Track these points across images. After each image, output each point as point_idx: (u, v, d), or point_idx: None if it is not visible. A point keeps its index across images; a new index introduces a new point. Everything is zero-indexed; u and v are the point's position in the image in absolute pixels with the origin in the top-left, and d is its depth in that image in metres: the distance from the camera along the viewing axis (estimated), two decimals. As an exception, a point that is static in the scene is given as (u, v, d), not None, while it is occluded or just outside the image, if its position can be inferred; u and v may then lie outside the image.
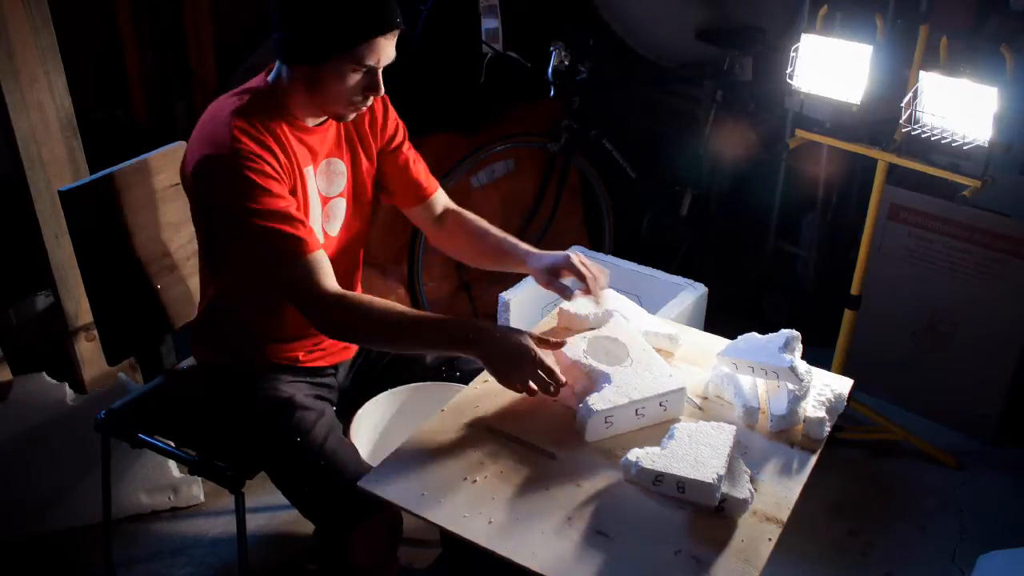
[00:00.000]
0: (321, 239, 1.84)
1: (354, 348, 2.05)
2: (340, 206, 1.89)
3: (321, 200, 1.84)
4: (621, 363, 1.67)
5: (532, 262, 1.89)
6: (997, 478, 2.74)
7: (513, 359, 1.60)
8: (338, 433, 1.83)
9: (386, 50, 1.69)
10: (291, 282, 1.66)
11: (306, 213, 1.78)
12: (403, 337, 1.70)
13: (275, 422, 1.81)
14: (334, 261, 1.83)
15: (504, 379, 1.61)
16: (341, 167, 1.87)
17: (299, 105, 1.74)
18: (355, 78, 1.69)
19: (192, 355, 2.04)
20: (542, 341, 1.66)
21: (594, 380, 1.63)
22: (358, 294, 1.79)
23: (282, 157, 1.71)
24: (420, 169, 2.01)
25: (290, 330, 1.89)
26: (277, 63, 1.75)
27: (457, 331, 1.64)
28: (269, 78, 1.76)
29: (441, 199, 2.04)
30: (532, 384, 1.59)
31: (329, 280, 1.68)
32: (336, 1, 1.61)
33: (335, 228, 1.90)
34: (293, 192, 1.74)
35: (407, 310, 1.70)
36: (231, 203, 1.65)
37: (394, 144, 1.96)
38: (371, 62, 1.68)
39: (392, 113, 1.96)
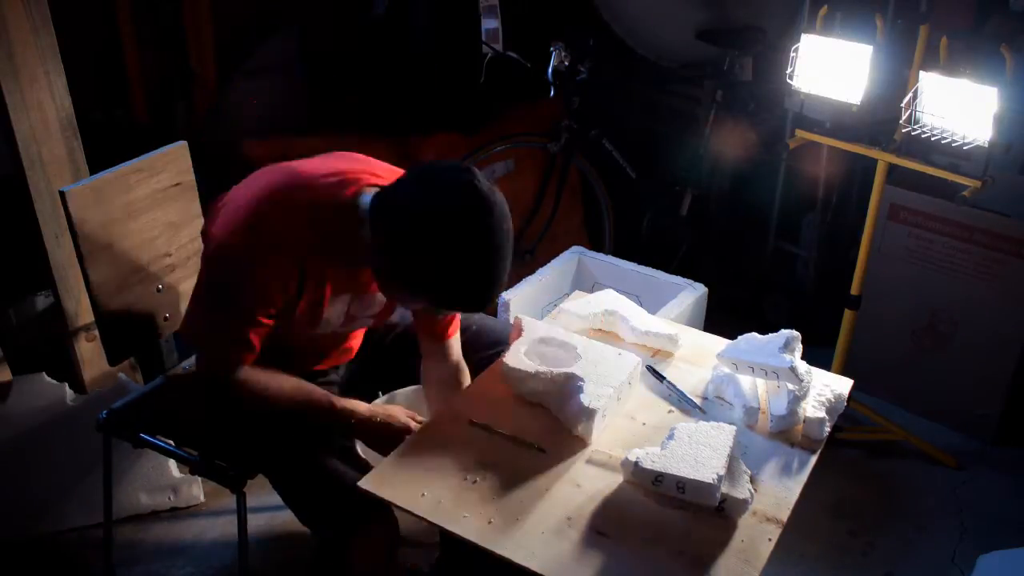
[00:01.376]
0: (329, 330, 1.82)
1: (355, 350, 2.05)
2: (366, 323, 1.88)
3: (346, 318, 1.79)
4: (575, 362, 1.69)
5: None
6: (997, 478, 2.74)
7: (378, 442, 1.75)
8: (338, 440, 1.83)
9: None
10: (208, 371, 1.73)
11: (316, 319, 1.74)
12: (296, 416, 1.77)
13: (274, 426, 1.81)
14: (339, 343, 1.90)
15: (375, 450, 1.76)
16: (381, 298, 1.81)
17: (360, 252, 1.62)
18: (422, 307, 1.69)
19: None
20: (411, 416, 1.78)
21: (566, 386, 1.64)
22: (259, 380, 1.72)
23: (296, 285, 1.64)
24: (454, 326, 1.90)
25: (292, 342, 1.87)
26: (370, 210, 1.58)
27: (336, 422, 1.75)
28: (359, 202, 1.60)
29: (455, 343, 1.90)
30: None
31: (237, 372, 1.70)
32: (462, 273, 1.51)
33: (354, 326, 1.88)
34: (291, 307, 1.67)
35: (299, 398, 1.74)
36: (214, 296, 1.66)
37: None
38: (448, 314, 1.72)
39: None
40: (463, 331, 1.97)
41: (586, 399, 1.58)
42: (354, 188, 1.63)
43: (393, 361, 2.05)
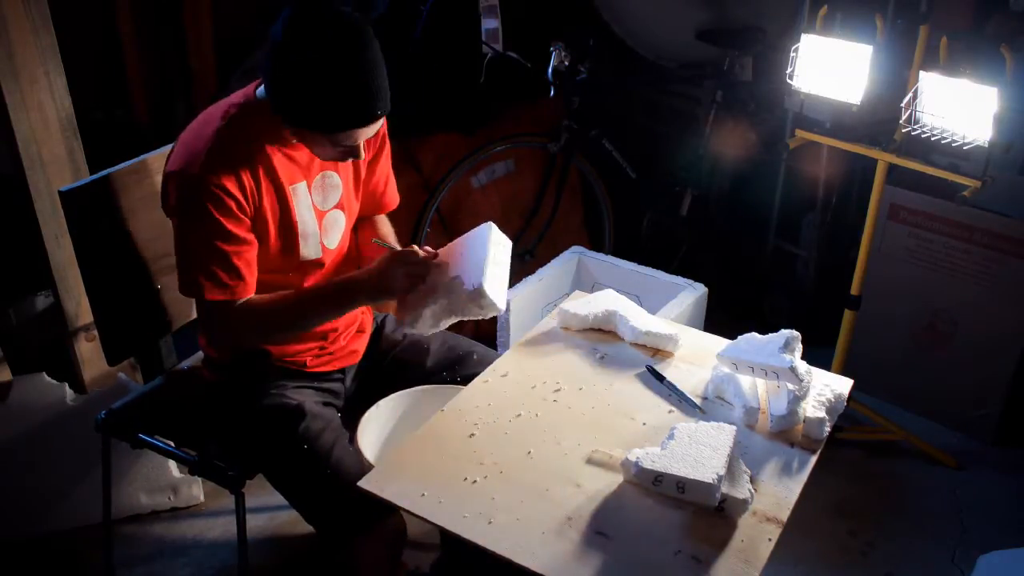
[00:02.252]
0: (319, 252, 1.86)
1: (361, 352, 2.05)
2: (338, 218, 1.90)
3: (317, 214, 1.84)
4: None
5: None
6: (997, 478, 2.74)
7: (384, 278, 1.73)
8: (344, 442, 1.83)
9: (366, 133, 1.70)
10: (205, 310, 1.77)
11: (294, 230, 1.80)
12: (298, 324, 1.81)
13: (282, 430, 1.81)
14: (337, 271, 1.89)
15: (390, 295, 1.75)
16: (336, 180, 1.87)
17: (287, 132, 1.74)
18: (331, 149, 1.71)
19: (200, 349, 2.04)
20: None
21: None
22: (257, 310, 1.77)
23: (250, 185, 1.70)
24: (391, 187, 2.01)
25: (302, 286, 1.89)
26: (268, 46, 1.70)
27: (346, 298, 1.78)
28: (257, 93, 1.74)
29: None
30: (410, 278, 1.72)
31: (237, 307, 1.73)
32: (320, 88, 1.60)
33: (335, 240, 1.90)
34: (262, 218, 1.74)
35: (300, 304, 1.78)
36: (186, 223, 1.70)
37: (379, 156, 1.95)
38: (348, 143, 1.70)
39: (384, 127, 1.92)
40: (463, 355, 2.04)
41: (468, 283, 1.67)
42: (252, 86, 1.76)
43: (397, 364, 2.06)
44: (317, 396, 1.91)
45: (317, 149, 1.73)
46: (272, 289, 1.80)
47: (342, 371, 2.01)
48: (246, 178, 1.69)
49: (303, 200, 1.80)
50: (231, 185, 1.67)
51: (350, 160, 1.80)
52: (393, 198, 2.04)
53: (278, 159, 1.75)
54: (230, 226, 1.68)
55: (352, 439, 1.85)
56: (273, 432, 1.82)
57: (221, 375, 1.94)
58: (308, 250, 1.84)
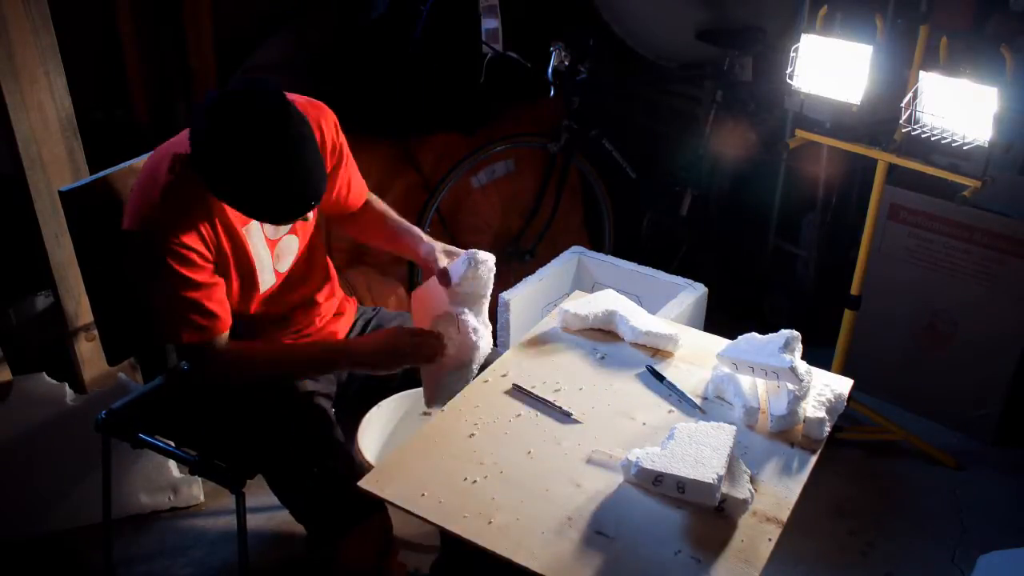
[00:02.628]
0: (273, 279, 1.88)
1: (345, 328, 2.06)
2: (291, 243, 1.90)
3: (268, 244, 1.84)
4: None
5: (424, 247, 1.92)
6: (997, 478, 2.74)
7: (390, 349, 1.75)
8: (334, 435, 1.83)
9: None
10: (187, 355, 1.80)
11: (249, 266, 1.80)
12: (290, 376, 1.83)
13: (269, 423, 1.81)
14: (295, 290, 1.92)
15: (397, 365, 1.78)
16: None
17: None
18: None
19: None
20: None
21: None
22: (244, 350, 1.79)
23: (209, 235, 1.71)
24: (355, 187, 2.00)
25: (264, 318, 1.91)
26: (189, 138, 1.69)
27: (338, 360, 1.81)
28: None
29: (373, 204, 2.06)
30: (423, 353, 1.74)
31: (222, 348, 1.75)
32: (250, 195, 1.60)
33: (286, 264, 1.91)
34: (224, 263, 1.75)
35: (291, 357, 1.80)
36: (149, 281, 1.70)
37: (338, 168, 1.94)
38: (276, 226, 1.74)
39: (336, 136, 1.89)
40: None
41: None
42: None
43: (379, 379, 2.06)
44: (311, 385, 1.90)
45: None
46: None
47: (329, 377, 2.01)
48: (203, 228, 1.70)
49: (256, 235, 1.81)
50: (189, 239, 1.67)
51: None
52: (359, 195, 2.03)
53: (229, 208, 1.74)
54: (195, 276, 1.69)
55: (352, 439, 1.85)
56: (261, 425, 1.82)
57: None
58: (264, 281, 1.86)
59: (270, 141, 1.54)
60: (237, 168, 1.56)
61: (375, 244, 2.13)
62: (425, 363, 1.77)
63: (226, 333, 1.76)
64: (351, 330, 2.08)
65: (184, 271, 1.67)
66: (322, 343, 1.88)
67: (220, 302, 1.74)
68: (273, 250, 1.86)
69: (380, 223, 2.05)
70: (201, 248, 1.69)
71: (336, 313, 2.05)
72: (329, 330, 2.02)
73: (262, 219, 1.69)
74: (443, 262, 1.84)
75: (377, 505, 1.67)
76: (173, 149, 1.72)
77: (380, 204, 2.07)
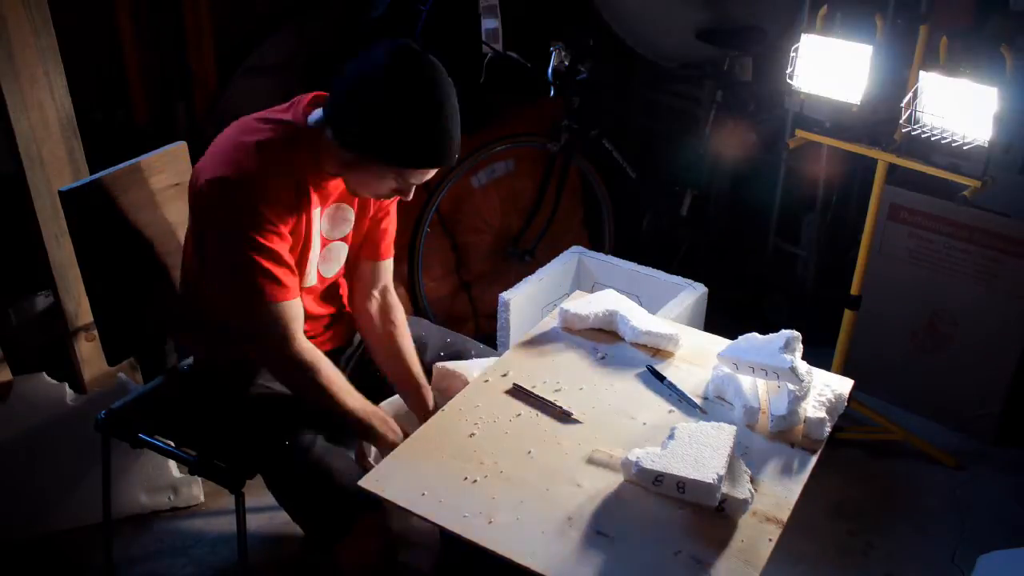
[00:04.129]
0: (314, 279, 1.87)
1: (352, 334, 2.06)
2: (341, 250, 1.90)
3: (321, 241, 1.84)
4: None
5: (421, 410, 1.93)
6: (997, 478, 2.74)
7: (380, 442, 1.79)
8: (334, 439, 1.83)
9: (430, 174, 1.72)
10: (260, 321, 1.71)
11: (305, 254, 1.80)
12: (326, 407, 1.79)
13: (266, 424, 1.81)
14: (324, 296, 1.91)
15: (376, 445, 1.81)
16: (349, 214, 1.87)
17: (328, 162, 1.73)
18: (392, 184, 1.73)
19: (174, 342, 2.03)
20: None
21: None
22: (312, 356, 1.77)
23: (294, 198, 1.71)
24: (390, 232, 2.00)
25: None
26: (322, 112, 1.71)
27: (368, 432, 1.79)
28: (309, 120, 1.72)
29: (387, 268, 2.01)
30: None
31: (293, 332, 1.73)
32: (408, 123, 1.62)
33: (332, 270, 1.91)
34: (293, 232, 1.74)
35: (345, 397, 1.77)
36: (235, 228, 1.66)
37: (393, 205, 1.96)
38: (413, 180, 1.72)
39: None
40: (460, 352, 2.05)
41: None
42: (303, 106, 1.74)
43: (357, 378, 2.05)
44: None
45: (371, 182, 1.73)
46: None
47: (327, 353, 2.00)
48: (292, 190, 1.70)
49: (316, 226, 1.80)
50: (283, 191, 1.68)
51: (373, 200, 1.85)
52: (389, 248, 2.01)
53: (311, 183, 1.75)
54: (281, 226, 1.69)
55: (352, 439, 1.85)
56: (257, 427, 1.82)
57: (204, 369, 1.96)
58: (308, 275, 1.84)
59: (446, 86, 1.64)
60: (412, 100, 1.60)
61: (374, 345, 2.02)
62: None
63: (298, 307, 1.74)
64: (347, 342, 2.08)
65: (274, 216, 1.66)
66: (369, 414, 1.82)
67: (292, 262, 1.73)
68: (323, 249, 1.85)
69: (389, 330, 1.98)
70: (289, 202, 1.69)
71: (336, 318, 2.04)
72: (329, 335, 2.01)
73: (402, 158, 1.66)
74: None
75: (372, 505, 1.68)
76: (269, 119, 1.72)
77: (400, 313, 2.01)
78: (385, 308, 1.99)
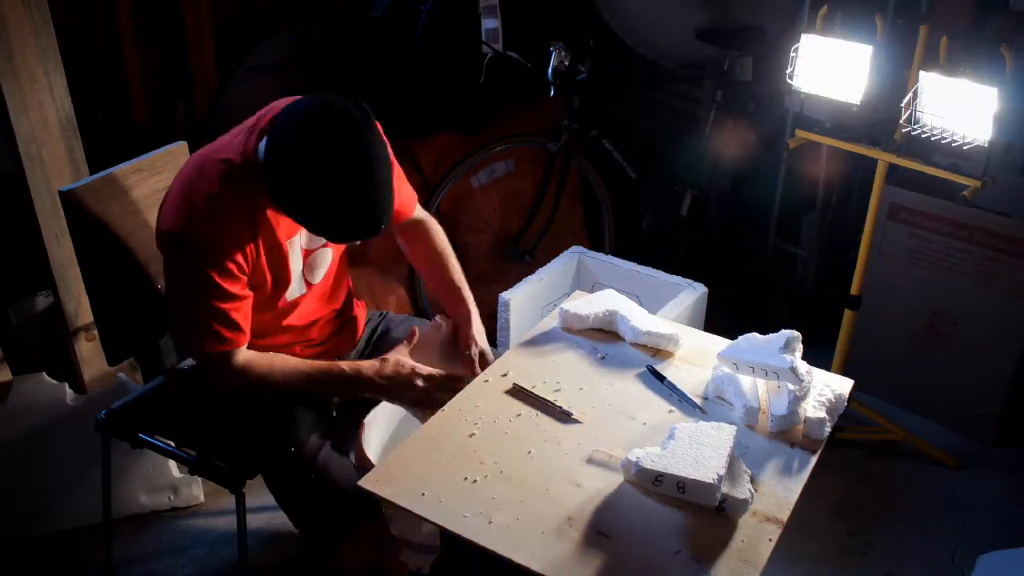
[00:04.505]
0: (302, 289, 1.87)
1: (353, 343, 2.05)
2: (325, 255, 1.90)
3: (303, 254, 1.84)
4: None
5: (462, 310, 1.98)
6: (997, 478, 2.74)
7: (394, 391, 1.77)
8: (329, 447, 1.83)
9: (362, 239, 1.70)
10: (206, 362, 1.75)
11: (283, 274, 1.79)
12: (302, 394, 1.81)
13: (269, 429, 1.81)
14: (320, 304, 1.93)
15: (402, 404, 1.81)
16: None
17: None
18: None
19: (173, 342, 2.05)
20: (408, 340, 1.83)
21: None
22: (260, 363, 1.77)
23: (251, 248, 1.69)
24: (403, 195, 1.98)
25: (281, 324, 1.89)
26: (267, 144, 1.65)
27: (346, 384, 1.77)
28: (259, 155, 1.66)
29: (417, 214, 2.06)
30: (424, 396, 1.74)
31: (239, 358, 1.73)
32: (320, 203, 1.58)
33: (319, 275, 1.91)
34: (259, 274, 1.74)
35: (304, 372, 1.77)
36: (184, 285, 1.68)
37: None
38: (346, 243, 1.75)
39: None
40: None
41: None
42: (254, 139, 1.68)
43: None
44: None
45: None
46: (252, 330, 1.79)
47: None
48: (247, 243, 1.69)
49: (295, 248, 1.81)
50: (232, 252, 1.66)
51: None
52: (408, 205, 2.01)
53: (275, 218, 1.73)
54: (230, 288, 1.68)
55: (352, 441, 1.85)
56: (260, 432, 1.83)
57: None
58: (292, 290, 1.85)
59: (356, 159, 1.55)
60: (317, 181, 1.54)
61: (419, 271, 2.12)
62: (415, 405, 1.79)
63: (245, 346, 1.75)
64: (360, 339, 2.08)
65: (221, 282, 1.66)
66: (342, 368, 1.80)
67: (246, 316, 1.73)
68: (306, 259, 1.85)
69: (427, 248, 2.05)
70: (241, 262, 1.68)
71: (345, 322, 2.05)
72: (336, 341, 2.02)
73: (325, 235, 1.67)
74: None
75: (372, 511, 1.69)
76: (224, 154, 1.69)
77: (435, 228, 2.06)
78: (414, 224, 2.05)
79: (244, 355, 1.74)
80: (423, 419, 1.71)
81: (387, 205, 1.62)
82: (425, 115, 3.08)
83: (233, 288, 1.68)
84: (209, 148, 1.74)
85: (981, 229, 2.73)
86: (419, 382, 1.75)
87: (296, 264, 1.82)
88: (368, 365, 1.77)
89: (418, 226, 2.05)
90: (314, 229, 1.66)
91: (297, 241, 1.80)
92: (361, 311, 2.11)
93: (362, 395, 1.80)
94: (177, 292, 1.72)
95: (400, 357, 1.80)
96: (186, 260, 1.67)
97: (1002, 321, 2.75)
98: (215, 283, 1.65)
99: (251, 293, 1.74)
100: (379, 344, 2.11)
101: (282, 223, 1.74)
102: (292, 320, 1.90)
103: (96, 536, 2.30)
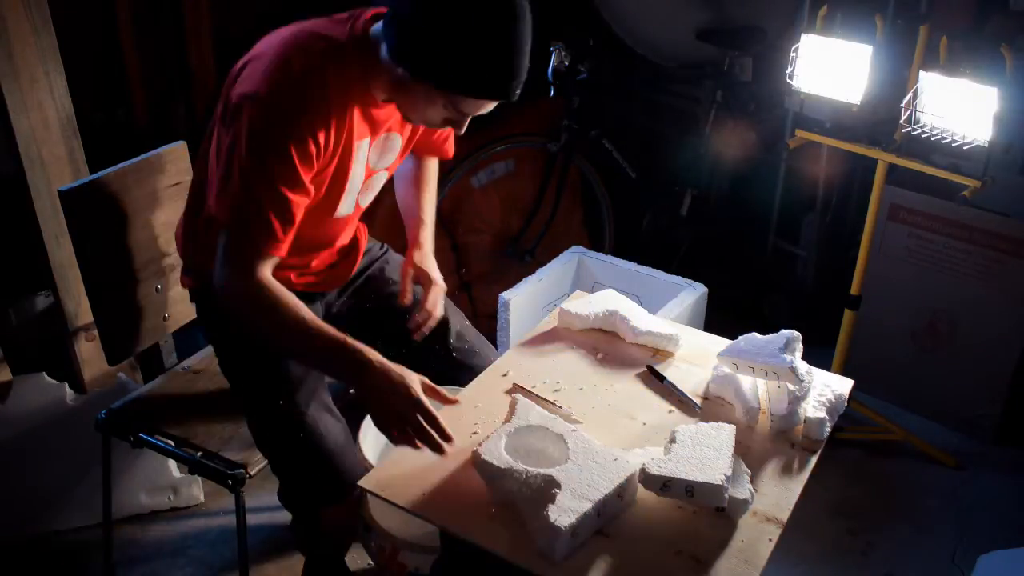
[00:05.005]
0: (351, 208, 1.79)
1: (350, 273, 1.97)
2: (382, 179, 1.84)
3: (366, 173, 1.76)
4: (563, 460, 1.44)
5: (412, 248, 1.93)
6: (997, 478, 2.74)
7: (389, 399, 1.51)
8: (322, 398, 1.80)
9: (487, 107, 1.61)
10: (234, 252, 1.58)
11: (341, 186, 1.71)
12: (291, 352, 1.68)
13: (259, 381, 1.79)
14: (353, 227, 1.87)
15: (379, 420, 1.53)
16: (398, 143, 1.80)
17: (378, 86, 1.63)
18: (444, 112, 1.61)
19: (180, 282, 1.94)
20: (434, 391, 1.56)
21: (543, 491, 1.38)
22: (275, 295, 1.59)
23: (333, 135, 1.60)
24: (451, 141, 1.97)
25: (312, 242, 1.82)
26: (381, 23, 1.58)
27: (347, 360, 1.55)
28: (370, 33, 1.60)
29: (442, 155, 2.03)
30: (411, 432, 1.49)
31: (262, 274, 1.59)
32: (472, 48, 1.49)
33: (369, 199, 1.84)
34: (324, 171, 1.64)
35: (312, 325, 1.58)
36: (258, 162, 1.54)
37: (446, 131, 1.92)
38: (467, 111, 1.61)
39: None
40: (459, 344, 2.01)
41: (554, 513, 1.32)
42: (362, 21, 1.63)
43: (385, 297, 2.02)
44: None
45: (421, 107, 1.61)
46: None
47: (324, 294, 1.95)
48: (331, 130, 1.59)
49: (360, 158, 1.71)
50: (318, 128, 1.56)
51: (424, 128, 1.79)
52: (450, 148, 1.98)
53: (357, 116, 1.64)
54: (303, 172, 1.57)
55: (354, 439, 1.85)
56: (250, 380, 1.79)
57: (204, 298, 1.88)
58: (343, 207, 1.77)
59: (521, 12, 1.51)
60: (482, 22, 1.47)
61: (396, 189, 2.03)
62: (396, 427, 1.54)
63: (274, 261, 1.61)
64: (355, 271, 2.00)
65: (298, 162, 1.55)
66: (349, 346, 1.57)
67: (299, 216, 1.62)
68: (367, 179, 1.77)
69: (418, 177, 2.00)
70: (321, 144, 1.58)
71: (348, 253, 1.96)
72: (336, 273, 1.94)
73: (461, 86, 1.53)
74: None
75: (349, 489, 1.71)
76: (326, 31, 1.61)
77: (434, 169, 2.02)
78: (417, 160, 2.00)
79: (267, 273, 1.60)
80: (394, 442, 1.53)
81: (525, 64, 1.54)
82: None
83: (305, 175, 1.57)
84: (304, 26, 1.64)
85: (981, 229, 2.73)
86: (417, 413, 1.50)
87: (357, 177, 1.73)
88: (377, 360, 1.54)
89: (427, 160, 2.01)
90: (452, 78, 1.52)
91: (363, 152, 1.71)
92: (363, 238, 2.00)
93: (351, 384, 1.64)
94: (247, 166, 1.55)
95: (416, 381, 1.55)
96: (269, 128, 1.53)
97: (1002, 321, 2.75)
98: (292, 162, 1.54)
99: (312, 190, 1.62)
100: (370, 282, 2.02)
101: (359, 123, 1.65)
102: (322, 238, 1.81)
103: (96, 536, 2.30)
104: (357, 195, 1.79)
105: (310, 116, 1.56)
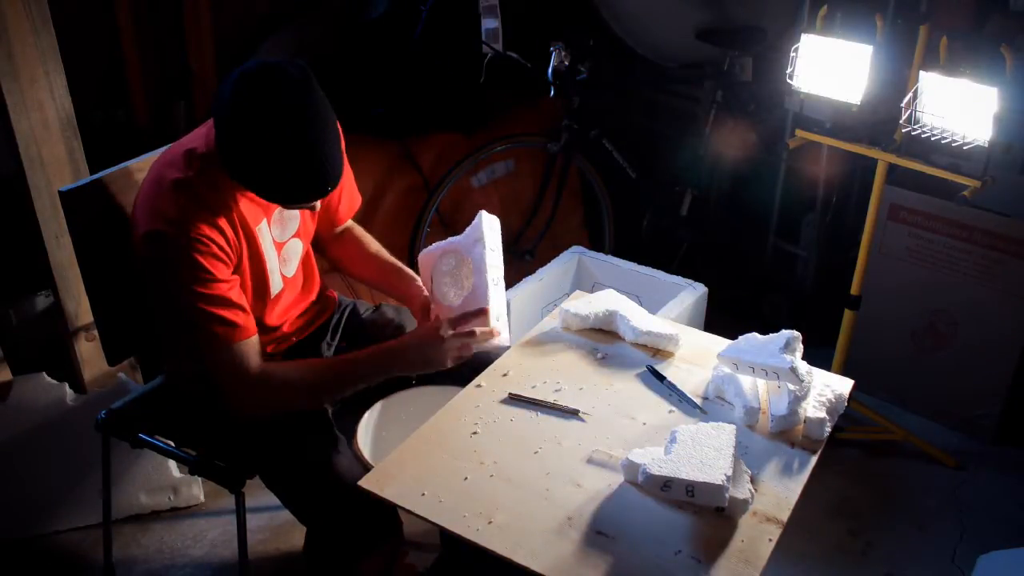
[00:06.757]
0: (280, 284, 1.86)
1: (329, 312, 2.08)
2: (296, 246, 1.90)
3: (276, 247, 1.83)
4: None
5: (415, 288, 1.97)
6: (997, 478, 2.74)
7: (429, 354, 1.74)
8: (332, 435, 1.82)
9: (317, 201, 1.70)
10: (219, 366, 1.68)
11: (262, 270, 1.79)
12: (328, 392, 1.76)
13: (267, 433, 1.80)
14: (297, 297, 1.92)
15: (433, 369, 1.76)
16: (294, 212, 1.85)
17: None
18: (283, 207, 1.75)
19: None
20: (456, 321, 1.76)
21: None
22: (277, 369, 1.75)
23: (228, 230, 1.68)
24: (348, 197, 2.00)
25: (265, 323, 1.88)
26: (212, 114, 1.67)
27: (373, 365, 1.75)
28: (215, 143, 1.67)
29: (355, 229, 2.08)
30: (457, 355, 1.74)
31: (255, 363, 1.69)
32: (273, 162, 1.56)
33: (292, 268, 1.90)
34: (239, 263, 1.72)
35: (323, 365, 1.76)
36: (176, 284, 1.64)
37: None
38: (299, 208, 1.73)
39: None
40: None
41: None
42: (210, 132, 1.69)
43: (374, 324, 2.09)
44: None
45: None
46: None
47: (316, 332, 2.02)
48: (223, 225, 1.67)
49: (266, 237, 1.79)
50: (212, 232, 1.64)
51: None
52: (350, 207, 2.02)
53: (243, 203, 1.72)
54: (219, 272, 1.65)
55: (351, 439, 1.85)
56: (258, 435, 1.81)
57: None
58: (274, 284, 1.84)
59: (295, 113, 1.53)
60: (259, 137, 1.53)
61: (359, 274, 2.08)
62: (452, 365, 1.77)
63: (255, 344, 1.70)
64: (327, 323, 2.08)
65: (209, 266, 1.62)
66: (366, 351, 1.77)
67: (243, 298, 1.70)
68: (280, 252, 1.84)
69: (361, 248, 2.05)
70: (222, 242, 1.65)
71: (319, 313, 2.06)
72: (302, 323, 2.02)
73: (277, 198, 1.64)
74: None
75: (392, 527, 1.72)
76: (185, 147, 1.70)
77: (362, 231, 2.08)
78: (345, 231, 2.07)
79: (257, 363, 1.69)
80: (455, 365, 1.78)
81: (336, 160, 1.60)
82: (425, 115, 3.08)
83: (223, 273, 1.65)
84: (176, 144, 1.75)
85: (981, 229, 2.73)
86: (447, 333, 1.73)
87: (271, 255, 1.80)
88: (390, 345, 1.77)
89: (351, 231, 2.07)
90: (266, 191, 1.61)
91: (266, 231, 1.78)
92: (332, 299, 2.11)
93: (394, 372, 1.78)
94: (167, 295, 1.67)
95: (431, 327, 1.77)
96: (168, 254, 1.62)
97: (1002, 321, 2.75)
98: (204, 267, 1.62)
99: (238, 277, 1.71)
100: (349, 327, 2.10)
101: (249, 209, 1.73)
102: (273, 318, 1.89)
103: (96, 536, 2.30)
104: (280, 270, 1.85)
105: (196, 223, 1.63)
